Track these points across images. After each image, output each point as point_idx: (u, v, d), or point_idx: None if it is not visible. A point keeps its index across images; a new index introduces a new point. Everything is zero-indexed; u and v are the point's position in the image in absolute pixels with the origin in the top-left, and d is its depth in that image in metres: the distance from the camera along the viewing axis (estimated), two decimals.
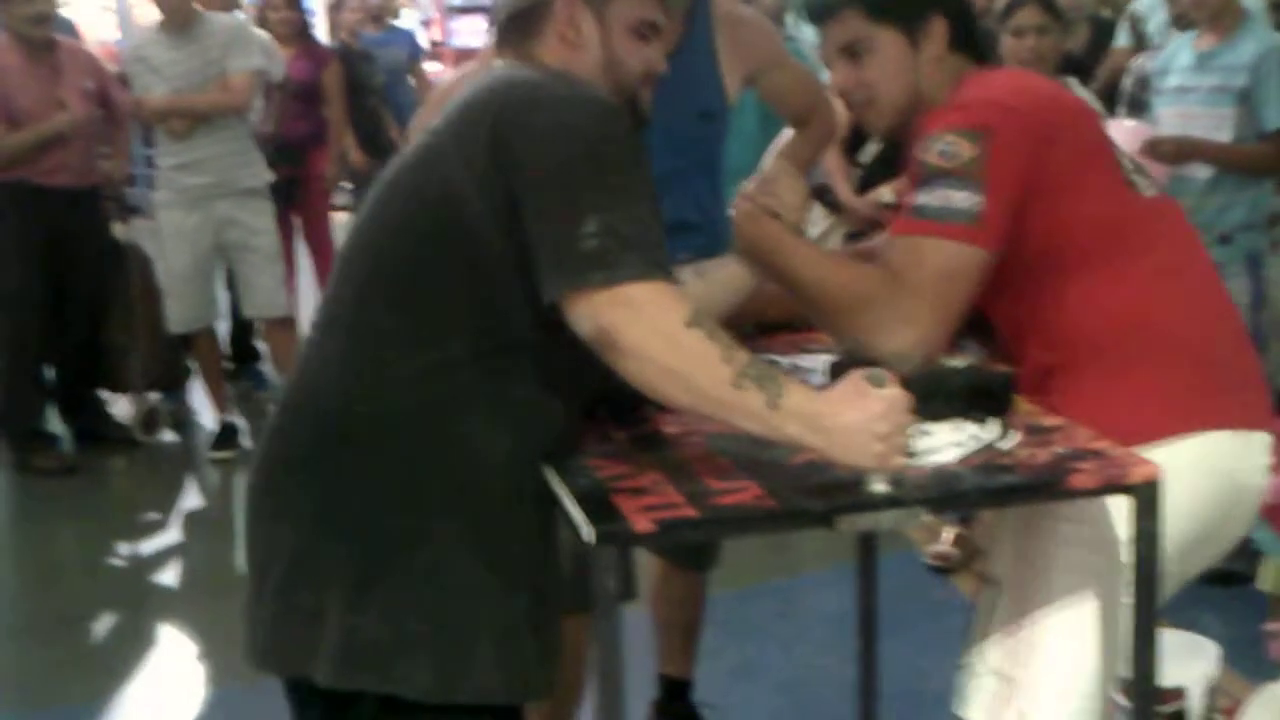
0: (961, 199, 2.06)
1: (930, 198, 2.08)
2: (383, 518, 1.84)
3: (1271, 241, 4.34)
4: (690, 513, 1.73)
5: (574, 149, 1.78)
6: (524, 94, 1.85)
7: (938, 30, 2.24)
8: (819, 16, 2.31)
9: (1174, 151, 4.19)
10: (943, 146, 2.09)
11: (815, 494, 1.78)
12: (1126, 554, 1.95)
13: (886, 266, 2.11)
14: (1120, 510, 1.98)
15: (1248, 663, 3.46)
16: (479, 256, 1.82)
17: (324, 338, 1.94)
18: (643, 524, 1.68)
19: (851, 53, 2.27)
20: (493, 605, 1.86)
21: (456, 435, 1.84)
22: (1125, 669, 2.11)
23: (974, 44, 2.31)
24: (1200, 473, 2.11)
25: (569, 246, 1.72)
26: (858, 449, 1.73)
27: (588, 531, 1.69)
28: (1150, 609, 1.93)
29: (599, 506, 1.74)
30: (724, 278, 2.26)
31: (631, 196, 1.77)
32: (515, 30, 2.03)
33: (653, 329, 1.70)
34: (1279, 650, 3.58)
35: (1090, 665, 2.09)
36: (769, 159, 2.37)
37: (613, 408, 2.08)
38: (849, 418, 1.73)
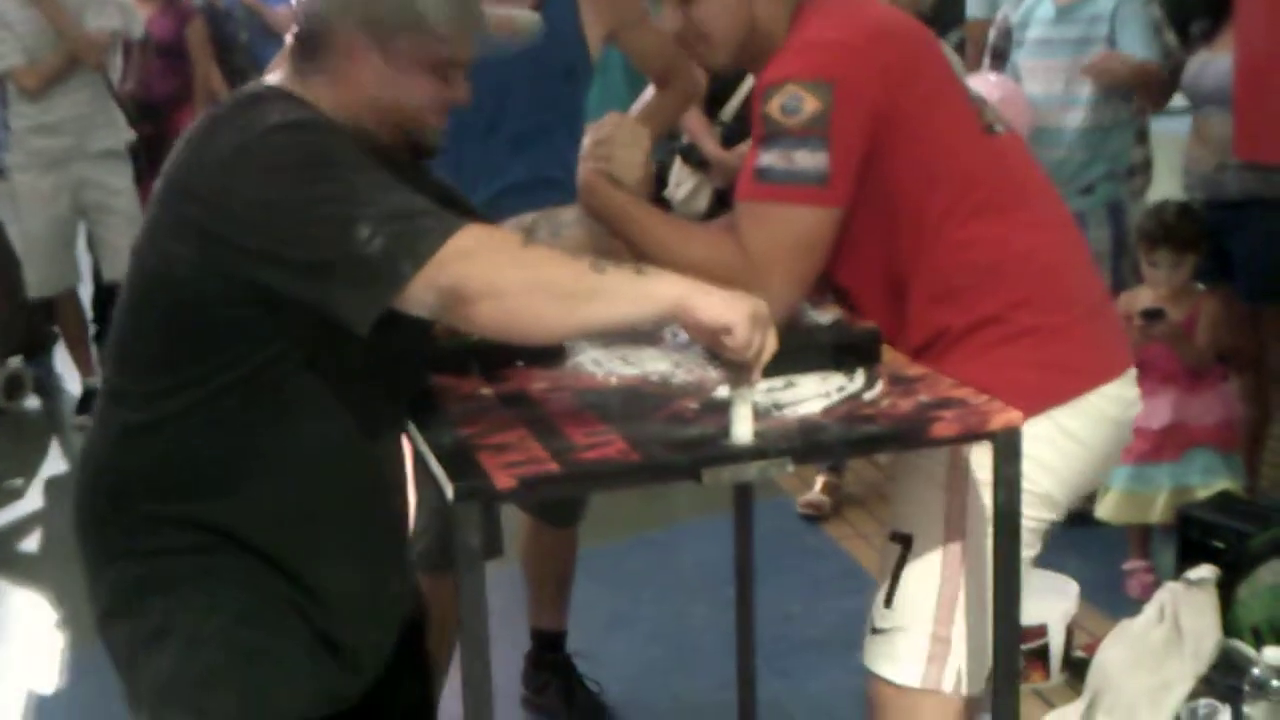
0: (805, 159, 2.00)
1: (774, 158, 2.02)
2: (163, 563, 1.85)
3: (1130, 191, 4.42)
4: (553, 468, 1.73)
5: (288, 186, 1.73)
6: (222, 156, 1.80)
7: None
8: None
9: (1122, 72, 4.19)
10: (785, 100, 2.01)
11: (680, 447, 1.79)
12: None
13: (736, 236, 2.07)
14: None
15: (1106, 600, 3.57)
16: (205, 319, 1.79)
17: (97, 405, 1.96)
18: (504, 480, 1.68)
19: None
20: (285, 623, 1.88)
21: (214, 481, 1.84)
22: None
23: None
24: (1101, 423, 2.13)
25: (357, 264, 1.67)
26: (730, 301, 1.71)
27: (448, 489, 1.68)
28: (1013, 553, 1.94)
29: (461, 464, 1.74)
30: (574, 239, 2.24)
31: (379, 187, 1.73)
32: (302, 50, 1.91)
33: (494, 261, 1.69)
34: (1135, 587, 3.71)
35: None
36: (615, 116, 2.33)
37: (482, 364, 2.08)
38: (721, 290, 1.73)
